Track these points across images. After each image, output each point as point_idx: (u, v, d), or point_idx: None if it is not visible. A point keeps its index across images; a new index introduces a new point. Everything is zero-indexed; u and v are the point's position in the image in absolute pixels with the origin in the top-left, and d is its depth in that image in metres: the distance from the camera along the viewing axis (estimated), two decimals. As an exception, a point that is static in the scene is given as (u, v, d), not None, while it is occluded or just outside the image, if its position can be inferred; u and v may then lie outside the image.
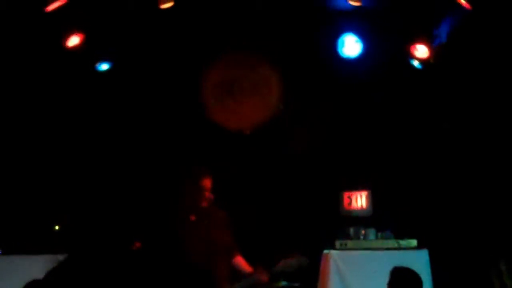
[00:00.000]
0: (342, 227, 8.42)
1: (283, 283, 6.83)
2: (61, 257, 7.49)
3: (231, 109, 9.28)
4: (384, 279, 5.85)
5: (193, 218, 7.11)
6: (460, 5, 8.07)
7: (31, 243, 8.24)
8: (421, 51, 8.62)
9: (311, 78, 9.33)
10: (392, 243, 8.22)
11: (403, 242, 8.18)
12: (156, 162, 9.44)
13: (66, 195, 9.32)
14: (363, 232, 8.30)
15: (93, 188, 9.38)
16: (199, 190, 7.13)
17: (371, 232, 8.31)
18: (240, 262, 7.20)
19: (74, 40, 8.62)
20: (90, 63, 9.00)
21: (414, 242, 8.18)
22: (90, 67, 9.01)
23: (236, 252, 7.26)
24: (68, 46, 8.61)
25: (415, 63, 8.72)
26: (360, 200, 8.57)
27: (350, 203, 8.62)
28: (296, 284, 7.00)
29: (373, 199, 8.56)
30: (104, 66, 9.08)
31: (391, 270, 5.80)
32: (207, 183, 7.18)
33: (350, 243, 8.21)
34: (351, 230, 8.32)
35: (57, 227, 8.97)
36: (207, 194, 7.16)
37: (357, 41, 8.98)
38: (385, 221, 8.53)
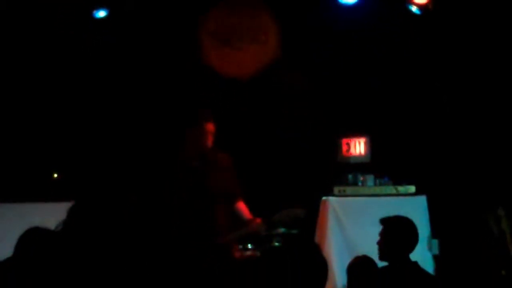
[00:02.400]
0: (340, 174, 8.43)
1: (282, 230, 6.84)
2: (60, 205, 7.53)
3: (228, 56, 9.23)
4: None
5: (194, 163, 7.05)
6: None
7: (30, 191, 8.26)
8: (419, -4, 8.57)
9: (309, 25, 9.27)
10: (390, 189, 8.25)
11: (402, 188, 8.21)
12: (155, 108, 9.42)
13: (66, 142, 9.31)
14: (361, 178, 8.32)
15: (92, 136, 9.37)
16: (202, 134, 7.03)
17: (370, 179, 8.33)
18: (242, 208, 7.12)
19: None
20: (87, 9, 8.94)
21: (412, 188, 8.21)
22: (87, 14, 8.95)
23: (238, 197, 7.16)
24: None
25: (413, 8, 8.66)
26: (358, 147, 8.57)
27: (348, 149, 8.62)
28: (294, 231, 7.02)
29: (372, 145, 8.56)
30: (101, 13, 9.02)
31: (382, 220, 5.70)
32: (210, 127, 7.08)
33: (348, 190, 8.23)
34: (350, 177, 8.34)
35: (55, 175, 8.99)
36: (210, 138, 7.07)
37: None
38: (383, 167, 8.55)
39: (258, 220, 6.76)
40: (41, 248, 4.00)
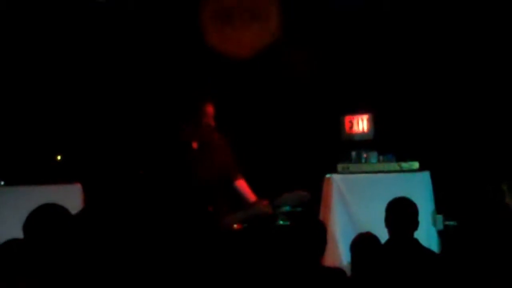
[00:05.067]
0: (344, 151, 8.43)
1: (286, 208, 6.85)
2: (63, 187, 7.57)
3: (230, 36, 9.21)
4: (386, 202, 5.84)
5: (195, 145, 7.05)
6: None
7: (34, 174, 8.27)
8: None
9: (309, 2, 9.25)
10: (394, 165, 8.23)
11: (405, 165, 8.19)
12: (157, 91, 9.41)
13: (69, 124, 9.32)
14: (365, 155, 8.31)
15: (94, 118, 9.38)
16: (202, 116, 7.02)
17: (373, 155, 8.32)
18: (243, 186, 7.10)
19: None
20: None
21: (416, 164, 8.19)
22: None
23: (238, 175, 7.15)
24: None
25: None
26: (361, 124, 8.56)
27: (351, 126, 8.60)
28: (299, 209, 7.02)
29: (375, 122, 8.55)
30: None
31: (386, 208, 5.68)
32: (210, 109, 7.08)
33: (352, 167, 8.22)
34: (353, 154, 8.33)
35: (59, 157, 9.00)
36: (211, 119, 7.07)
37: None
38: (387, 144, 8.54)
39: (265, 202, 6.75)
40: (50, 224, 4.05)
